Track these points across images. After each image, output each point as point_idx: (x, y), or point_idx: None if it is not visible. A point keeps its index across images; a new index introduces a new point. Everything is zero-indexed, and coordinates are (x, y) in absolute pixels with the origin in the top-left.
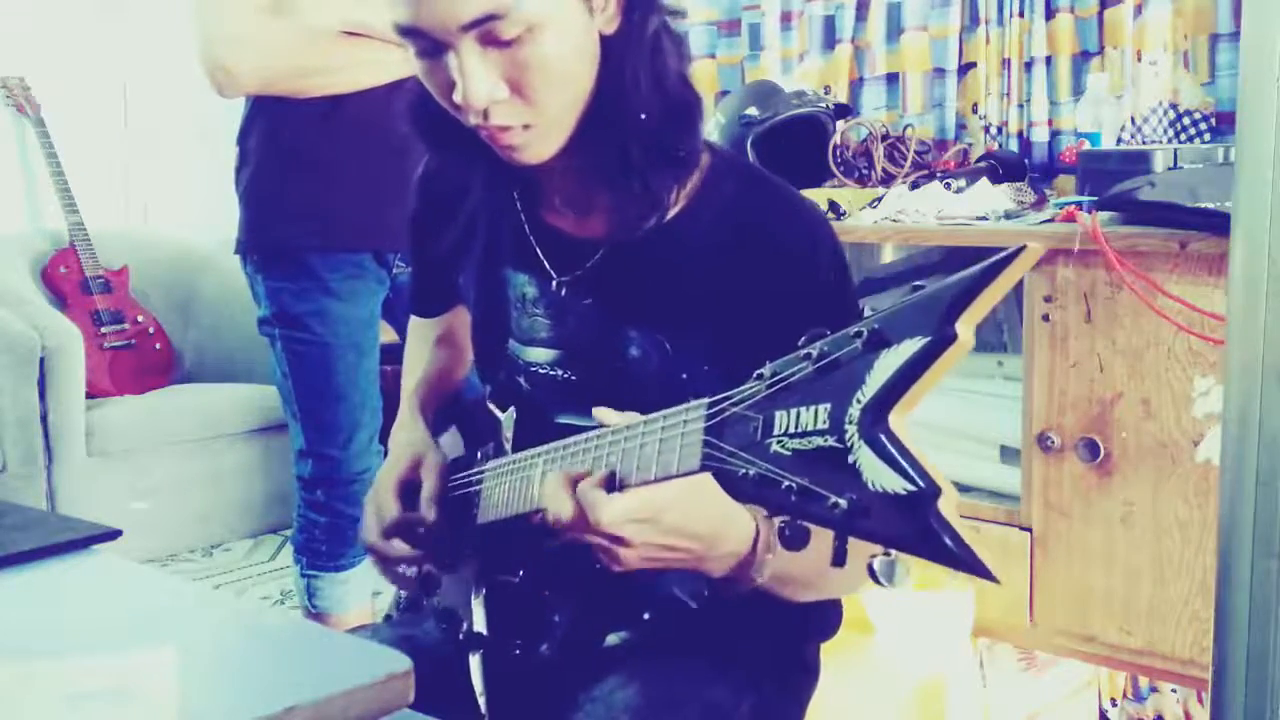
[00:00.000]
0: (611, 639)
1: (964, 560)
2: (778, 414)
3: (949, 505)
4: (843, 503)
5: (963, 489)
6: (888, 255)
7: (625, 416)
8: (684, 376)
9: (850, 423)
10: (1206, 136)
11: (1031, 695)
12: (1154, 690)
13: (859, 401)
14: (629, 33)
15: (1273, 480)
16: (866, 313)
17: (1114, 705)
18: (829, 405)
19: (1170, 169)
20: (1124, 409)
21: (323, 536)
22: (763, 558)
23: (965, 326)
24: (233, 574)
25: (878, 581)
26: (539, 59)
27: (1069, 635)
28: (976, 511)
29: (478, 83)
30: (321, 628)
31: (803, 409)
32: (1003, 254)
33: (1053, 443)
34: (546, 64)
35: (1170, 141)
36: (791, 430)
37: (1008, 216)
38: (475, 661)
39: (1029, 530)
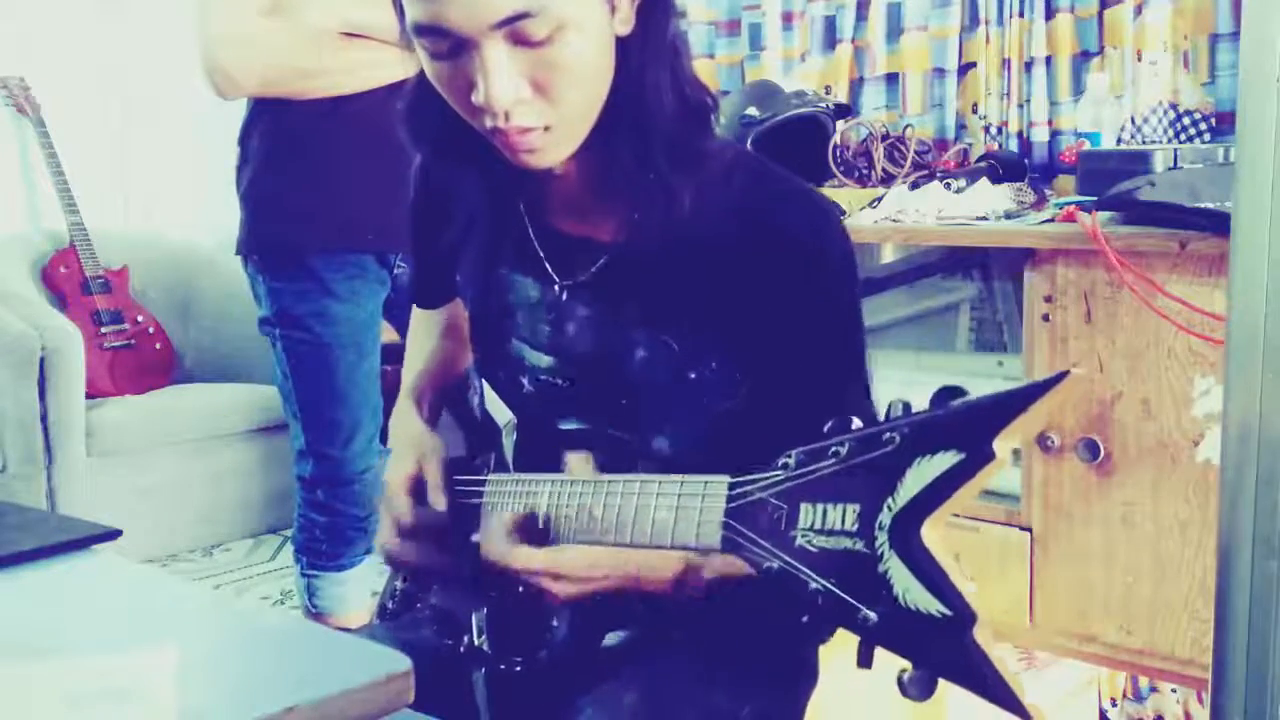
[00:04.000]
0: (610, 639)
1: (1000, 695)
2: (803, 506)
3: (984, 632)
4: (873, 616)
5: None
6: (888, 255)
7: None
8: (691, 376)
9: (881, 529)
10: (1206, 136)
11: (1031, 695)
12: (1154, 690)
13: (890, 508)
14: (647, 35)
15: (1273, 480)
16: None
17: (1114, 705)
18: (858, 506)
19: (1170, 169)
20: (1124, 409)
21: (323, 536)
22: (701, 562)
23: (1003, 445)
24: (233, 574)
25: (907, 696)
26: (565, 59)
27: (1069, 635)
28: (976, 511)
29: (504, 82)
30: (321, 628)
31: (829, 505)
32: (1046, 378)
33: (1053, 443)
34: (572, 64)
35: (1170, 141)
36: (818, 526)
37: (1008, 216)
38: (478, 677)
39: (1029, 530)
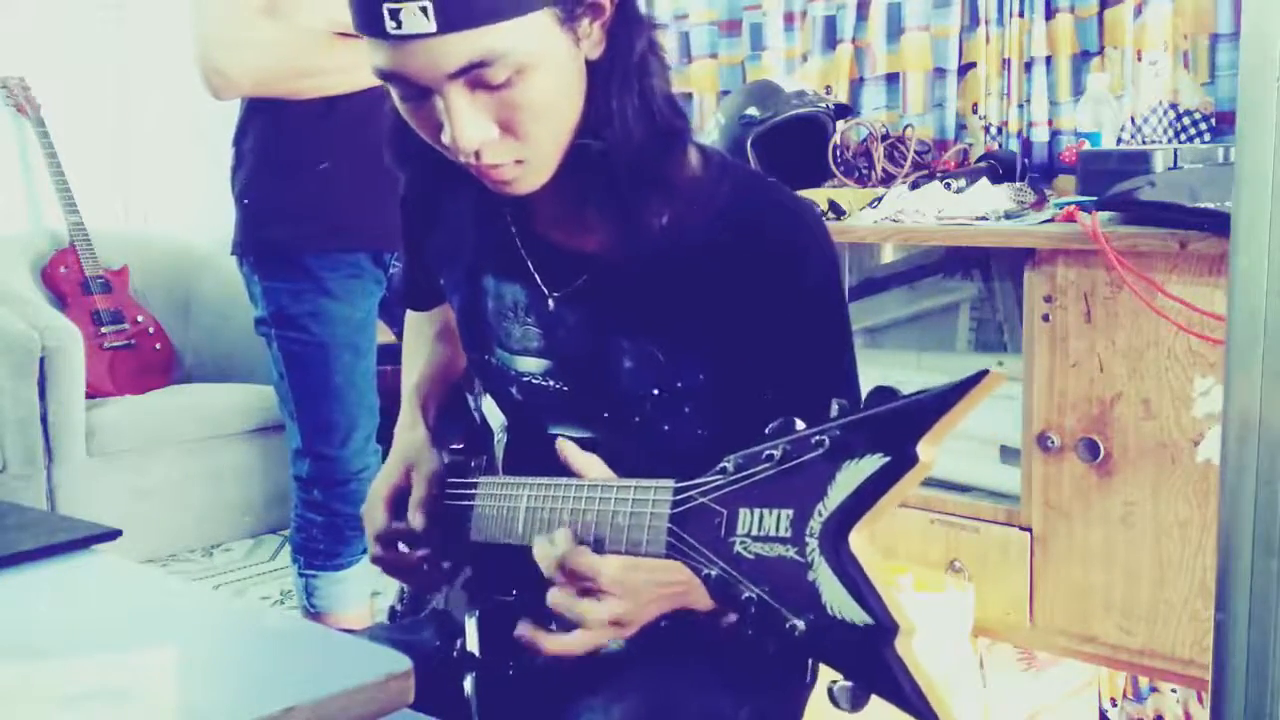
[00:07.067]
0: (613, 645)
1: (919, 709)
2: (741, 511)
3: (906, 642)
4: (800, 624)
5: (963, 489)
6: (888, 255)
7: (589, 458)
8: (679, 385)
9: (811, 535)
10: (1206, 136)
11: (1031, 695)
12: (1154, 690)
13: (820, 514)
14: (614, 58)
15: (1273, 480)
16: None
17: (1114, 705)
18: (791, 512)
19: (1170, 169)
20: (1124, 409)
21: (320, 535)
22: None
23: (927, 448)
24: (233, 574)
25: (837, 707)
26: (528, 98)
27: (1069, 635)
28: (976, 511)
29: (468, 127)
30: (321, 628)
31: (765, 511)
32: (967, 377)
33: (1053, 443)
34: (536, 102)
35: (1170, 141)
36: (754, 532)
37: (1008, 216)
38: (469, 681)
39: (1029, 530)
